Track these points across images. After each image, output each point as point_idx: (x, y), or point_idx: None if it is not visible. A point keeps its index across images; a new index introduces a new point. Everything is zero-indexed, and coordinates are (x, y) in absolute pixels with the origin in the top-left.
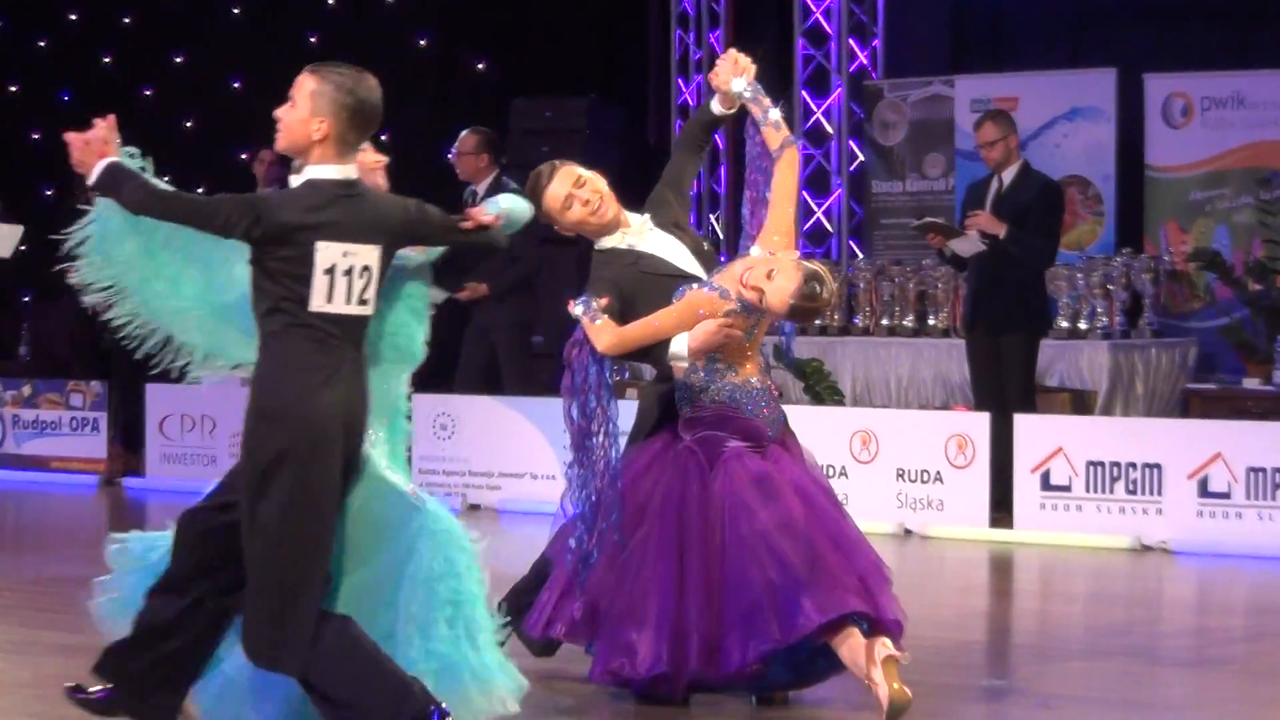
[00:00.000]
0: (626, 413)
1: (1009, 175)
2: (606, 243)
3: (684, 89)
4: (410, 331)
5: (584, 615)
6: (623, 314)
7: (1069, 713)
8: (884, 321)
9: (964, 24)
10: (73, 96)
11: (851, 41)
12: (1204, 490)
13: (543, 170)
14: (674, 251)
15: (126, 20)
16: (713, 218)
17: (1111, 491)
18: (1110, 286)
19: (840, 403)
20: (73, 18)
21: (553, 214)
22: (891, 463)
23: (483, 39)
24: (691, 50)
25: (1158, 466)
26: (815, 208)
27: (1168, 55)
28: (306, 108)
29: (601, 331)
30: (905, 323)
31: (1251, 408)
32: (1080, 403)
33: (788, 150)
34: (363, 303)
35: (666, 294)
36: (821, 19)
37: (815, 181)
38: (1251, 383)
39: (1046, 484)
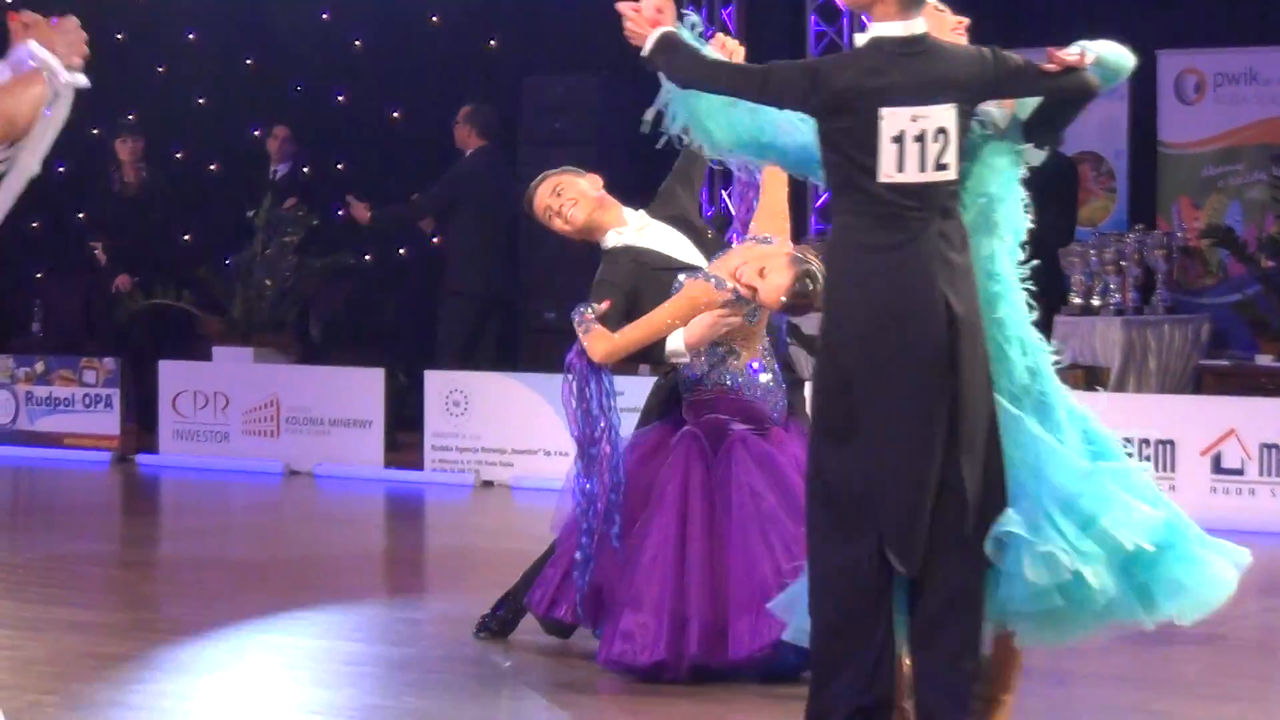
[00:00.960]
0: (639, 389)
1: None
2: (606, 244)
3: None
4: (1001, 197)
5: (588, 599)
6: (628, 313)
7: (1083, 689)
8: None
9: (977, 1)
10: (85, 74)
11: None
12: (1217, 467)
13: (534, 183)
14: (673, 244)
15: None
16: (724, 194)
17: None
18: (1123, 263)
19: None
20: None
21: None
22: None
23: (495, 16)
24: (704, 28)
25: (1170, 443)
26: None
27: (1180, 32)
28: None
29: (595, 340)
30: None
31: (1265, 384)
32: (1093, 379)
33: None
34: (941, 168)
35: (668, 287)
36: None
37: None
38: (1264, 359)
39: None
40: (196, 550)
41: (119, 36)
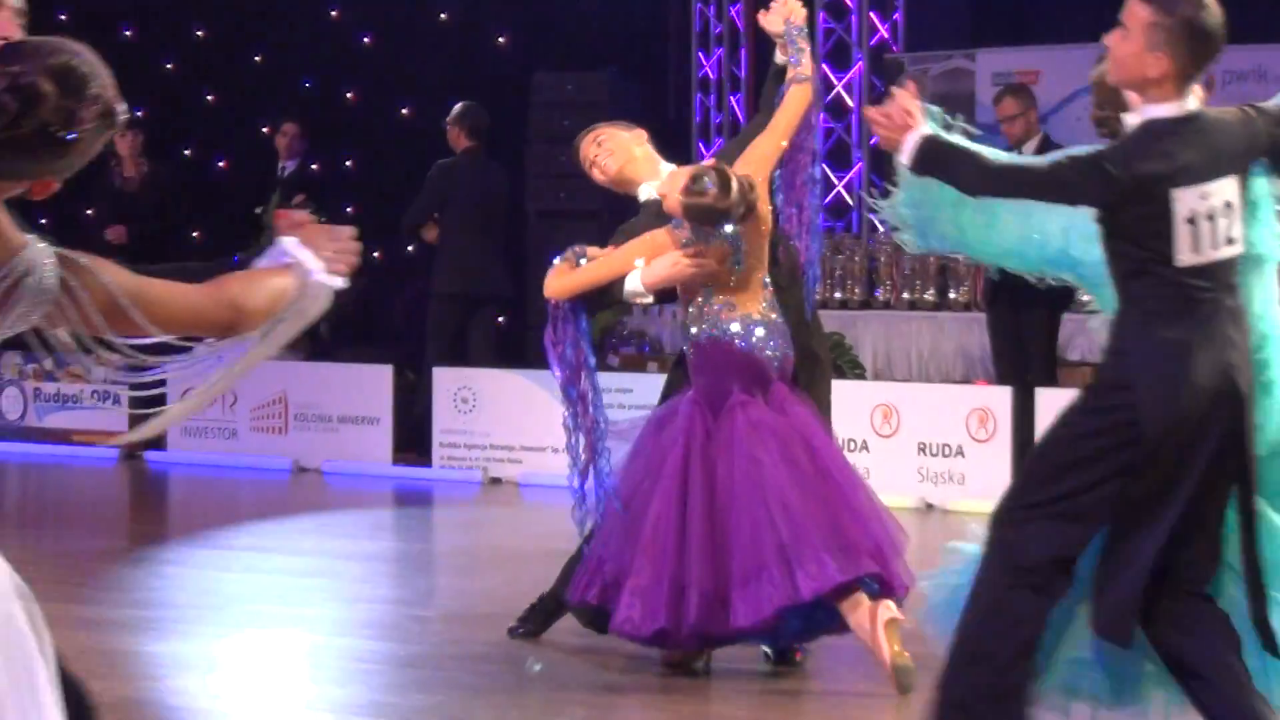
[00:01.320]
0: (647, 387)
1: (1029, 150)
2: (640, 196)
3: (704, 62)
4: (1266, 243)
5: (613, 578)
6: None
7: None
8: (905, 295)
9: (984, 0)
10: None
11: (872, 15)
12: None
13: (580, 134)
14: None
15: None
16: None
17: None
18: None
19: (861, 376)
20: None
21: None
22: (913, 437)
23: (504, 12)
24: (712, 24)
25: None
26: (836, 181)
27: None
28: (1140, 41)
29: (554, 276)
30: (926, 296)
31: None
32: None
33: (794, 86)
34: (1230, 242)
35: None
36: None
37: (836, 155)
38: None
39: None
40: (204, 547)
41: (127, 33)
